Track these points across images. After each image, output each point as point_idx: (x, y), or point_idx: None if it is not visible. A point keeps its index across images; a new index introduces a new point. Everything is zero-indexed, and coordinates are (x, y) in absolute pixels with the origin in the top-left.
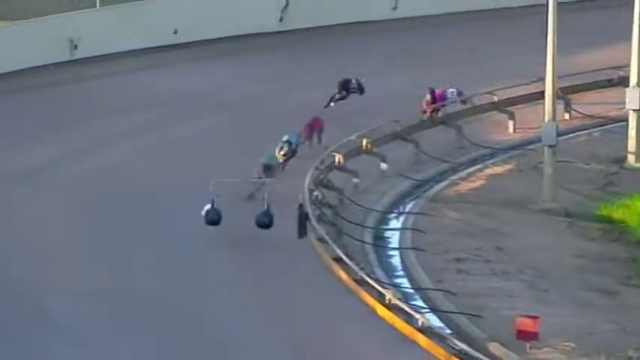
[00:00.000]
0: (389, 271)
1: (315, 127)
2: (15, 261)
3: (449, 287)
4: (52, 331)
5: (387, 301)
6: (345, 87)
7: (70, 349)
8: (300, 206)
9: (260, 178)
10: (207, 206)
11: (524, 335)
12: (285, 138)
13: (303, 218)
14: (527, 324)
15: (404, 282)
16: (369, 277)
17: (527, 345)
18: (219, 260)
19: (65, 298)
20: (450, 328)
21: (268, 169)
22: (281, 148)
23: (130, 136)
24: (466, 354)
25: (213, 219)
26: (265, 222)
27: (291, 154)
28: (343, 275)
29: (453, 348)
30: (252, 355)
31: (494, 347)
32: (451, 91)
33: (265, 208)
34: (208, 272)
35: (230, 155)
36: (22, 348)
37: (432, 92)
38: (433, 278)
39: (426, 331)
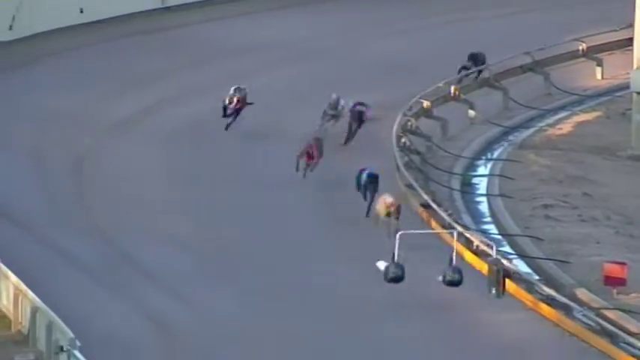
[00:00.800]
0: (476, 217)
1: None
2: (106, 209)
3: (536, 233)
4: (138, 277)
5: (474, 247)
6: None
7: (154, 290)
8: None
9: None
10: (384, 263)
11: (612, 281)
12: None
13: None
14: (614, 270)
15: (491, 228)
16: (457, 222)
17: (615, 291)
18: (308, 211)
19: (153, 246)
20: (538, 274)
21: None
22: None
23: (219, 86)
24: (553, 299)
25: (397, 275)
26: (455, 280)
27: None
28: (432, 220)
29: (540, 294)
30: (335, 302)
31: (582, 293)
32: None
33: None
34: (296, 223)
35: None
36: (110, 291)
37: None
38: (521, 224)
39: (513, 273)
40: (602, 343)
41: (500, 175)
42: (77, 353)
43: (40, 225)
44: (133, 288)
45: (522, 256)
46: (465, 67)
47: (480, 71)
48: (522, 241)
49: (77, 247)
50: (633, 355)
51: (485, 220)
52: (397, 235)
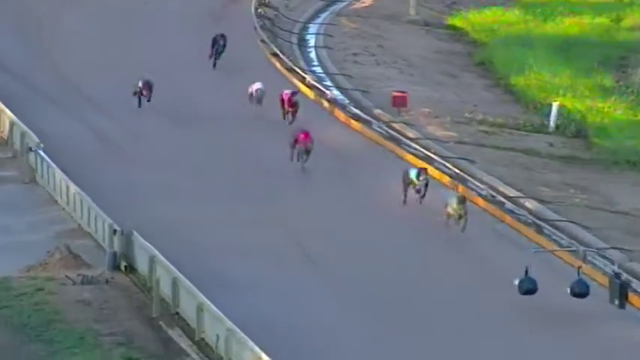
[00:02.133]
0: (308, 62)
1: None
2: (60, 52)
3: (348, 72)
4: (86, 103)
5: (306, 82)
6: None
7: (96, 113)
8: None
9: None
10: (519, 278)
11: (398, 104)
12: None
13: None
14: (399, 97)
15: (318, 69)
16: (295, 65)
17: (399, 110)
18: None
19: (96, 76)
20: (350, 100)
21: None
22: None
23: None
24: (359, 116)
25: (530, 288)
26: (583, 291)
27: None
28: (278, 64)
29: (350, 112)
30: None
31: (378, 112)
32: None
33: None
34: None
35: None
36: (65, 112)
37: None
38: (337, 67)
39: (332, 100)
40: (391, 145)
41: (324, 34)
42: (41, 152)
43: (15, 66)
44: (81, 110)
45: (339, 87)
46: None
47: None
48: (339, 79)
49: (42, 81)
50: (411, 153)
51: (314, 64)
52: (532, 252)
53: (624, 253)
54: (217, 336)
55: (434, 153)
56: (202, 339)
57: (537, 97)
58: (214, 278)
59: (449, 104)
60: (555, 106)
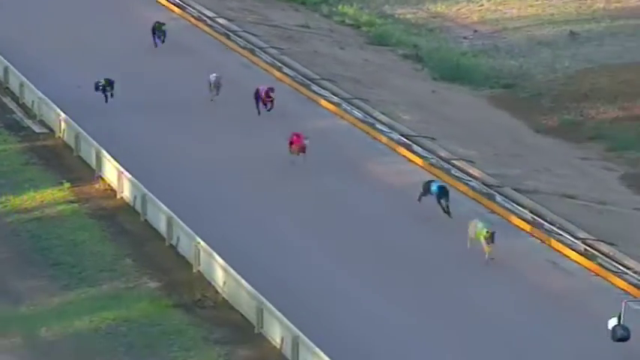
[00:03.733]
0: None
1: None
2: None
3: None
4: None
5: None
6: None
7: None
8: None
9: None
10: (613, 322)
11: None
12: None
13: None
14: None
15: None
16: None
17: None
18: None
19: None
20: None
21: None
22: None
23: None
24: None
25: (623, 335)
26: (625, 336)
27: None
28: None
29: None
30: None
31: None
32: None
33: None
34: None
35: None
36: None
37: None
38: None
39: None
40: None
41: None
42: None
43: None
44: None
45: None
46: None
47: None
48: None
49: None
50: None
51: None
52: (624, 303)
53: (278, 50)
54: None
55: None
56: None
57: None
58: None
59: None
60: None
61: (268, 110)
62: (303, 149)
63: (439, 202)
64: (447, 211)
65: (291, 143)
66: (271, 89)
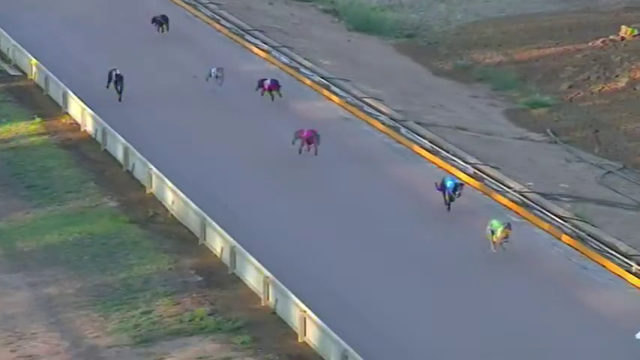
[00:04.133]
0: None
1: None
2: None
3: None
4: None
5: None
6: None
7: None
8: None
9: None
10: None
11: None
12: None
13: None
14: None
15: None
16: None
17: None
18: None
19: None
20: None
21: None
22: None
23: None
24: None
25: None
26: None
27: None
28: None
29: None
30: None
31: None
32: None
33: None
34: None
35: None
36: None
37: None
38: None
39: None
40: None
41: None
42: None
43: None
44: None
45: None
46: None
47: None
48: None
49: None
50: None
51: None
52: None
53: (217, 5)
54: None
55: None
56: None
57: None
58: None
59: None
60: None
61: (273, 99)
62: (309, 142)
63: (449, 195)
64: (448, 203)
65: (300, 135)
66: (275, 82)
